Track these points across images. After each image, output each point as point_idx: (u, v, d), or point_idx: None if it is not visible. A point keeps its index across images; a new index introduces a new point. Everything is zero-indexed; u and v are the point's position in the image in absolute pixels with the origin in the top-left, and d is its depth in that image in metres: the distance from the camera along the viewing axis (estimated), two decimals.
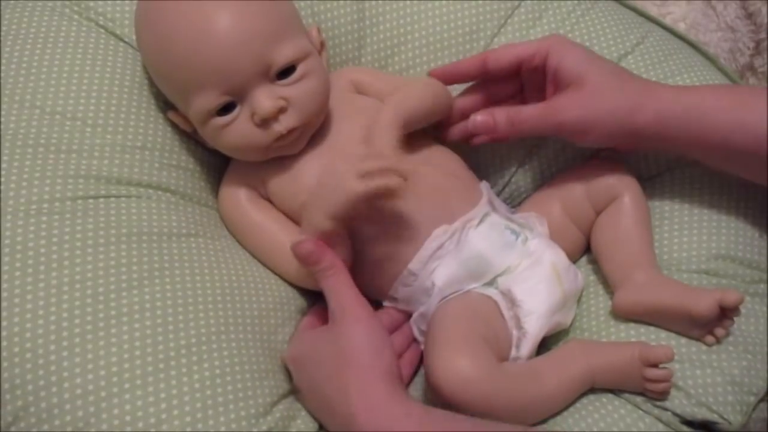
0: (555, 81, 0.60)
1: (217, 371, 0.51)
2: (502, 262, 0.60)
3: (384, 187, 0.53)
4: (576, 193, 0.64)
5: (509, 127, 0.61)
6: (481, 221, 0.61)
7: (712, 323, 0.57)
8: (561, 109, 0.59)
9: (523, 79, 0.64)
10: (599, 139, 0.60)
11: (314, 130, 0.61)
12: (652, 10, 0.90)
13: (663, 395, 0.56)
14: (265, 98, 0.55)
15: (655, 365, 0.55)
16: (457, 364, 0.52)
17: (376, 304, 0.62)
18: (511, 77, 0.64)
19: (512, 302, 0.59)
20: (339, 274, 0.55)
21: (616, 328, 0.60)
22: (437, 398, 0.54)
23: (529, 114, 0.60)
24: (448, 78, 0.64)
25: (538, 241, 0.61)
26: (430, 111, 0.63)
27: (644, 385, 0.56)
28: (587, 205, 0.63)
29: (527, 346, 0.58)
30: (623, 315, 0.60)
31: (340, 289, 0.54)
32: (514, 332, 0.58)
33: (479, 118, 0.61)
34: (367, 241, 0.58)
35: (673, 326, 0.58)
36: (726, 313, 0.57)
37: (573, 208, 0.64)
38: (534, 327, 0.58)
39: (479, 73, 0.63)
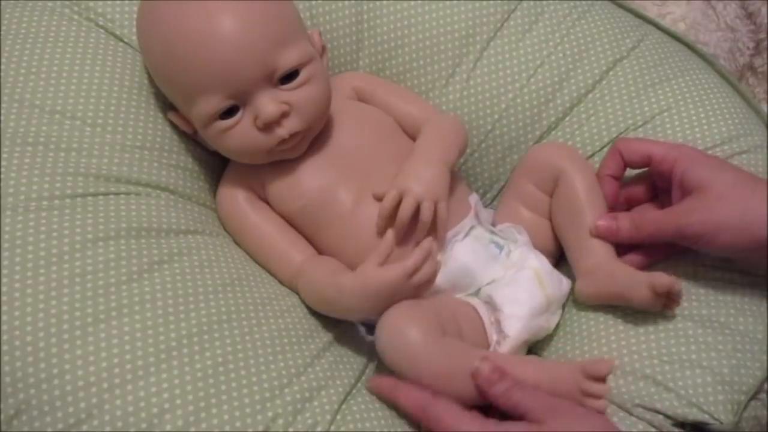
0: (681, 188, 0.61)
1: (219, 360, 0.53)
2: (487, 275, 0.63)
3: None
4: (527, 187, 0.67)
5: (633, 230, 0.62)
6: (466, 234, 0.64)
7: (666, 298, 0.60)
8: (683, 213, 0.60)
9: (654, 181, 0.66)
10: (726, 246, 0.59)
11: (315, 135, 0.64)
12: (652, 10, 0.93)
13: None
14: (268, 102, 0.58)
15: (595, 379, 0.58)
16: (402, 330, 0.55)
17: None
18: (644, 180, 0.66)
19: (493, 307, 0.62)
20: (521, 385, 0.55)
21: (605, 326, 0.62)
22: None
23: (652, 216, 0.62)
24: (615, 195, 0.65)
25: (521, 250, 0.64)
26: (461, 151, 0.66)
27: (581, 400, 0.57)
28: (541, 195, 0.66)
29: (507, 347, 0.61)
30: (587, 303, 0.64)
31: (534, 395, 0.54)
32: (494, 336, 0.61)
33: (602, 222, 0.63)
34: (355, 255, 0.60)
35: (633, 306, 0.61)
36: (670, 297, 0.59)
37: (533, 204, 0.67)
38: (514, 330, 0.61)
39: (620, 168, 0.65)
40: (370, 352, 0.63)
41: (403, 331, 0.56)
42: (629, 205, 0.67)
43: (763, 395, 0.60)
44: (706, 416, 0.57)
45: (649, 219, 0.62)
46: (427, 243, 0.58)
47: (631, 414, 0.59)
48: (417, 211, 0.61)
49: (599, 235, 0.63)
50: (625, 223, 0.63)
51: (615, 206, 0.66)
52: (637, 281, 0.59)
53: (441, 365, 0.56)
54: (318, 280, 0.61)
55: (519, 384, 0.55)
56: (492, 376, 0.55)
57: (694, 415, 0.58)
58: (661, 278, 0.58)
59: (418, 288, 0.58)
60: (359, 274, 0.58)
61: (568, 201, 0.64)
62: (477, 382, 0.56)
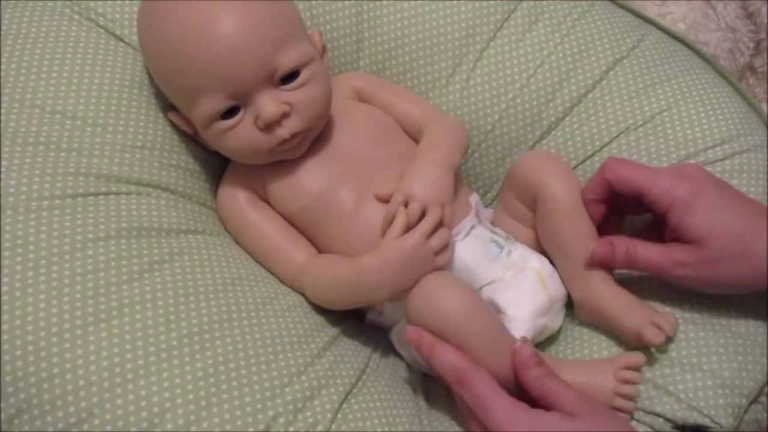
0: (675, 234, 0.59)
1: (220, 359, 0.54)
2: (488, 275, 0.63)
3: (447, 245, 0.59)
4: (512, 200, 0.67)
5: (626, 262, 0.61)
6: (467, 234, 0.64)
7: None
8: (680, 265, 0.59)
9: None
10: (721, 292, 0.61)
11: (316, 135, 0.64)
12: (652, 10, 0.93)
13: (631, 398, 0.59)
14: (269, 103, 0.59)
15: (629, 373, 0.58)
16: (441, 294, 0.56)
17: (360, 315, 0.66)
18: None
19: (496, 310, 0.62)
20: (555, 375, 0.56)
21: (604, 329, 0.63)
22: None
23: (648, 257, 0.60)
24: (601, 217, 0.64)
25: (522, 251, 0.65)
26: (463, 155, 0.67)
27: (611, 400, 0.58)
28: (526, 210, 0.67)
29: None
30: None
31: (567, 388, 0.55)
32: None
33: (597, 249, 0.62)
34: (357, 255, 0.60)
35: None
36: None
37: (520, 217, 0.67)
38: (519, 332, 0.60)
39: (607, 192, 0.63)
40: (371, 351, 0.63)
41: (443, 292, 0.56)
42: (616, 203, 0.65)
43: (763, 398, 0.60)
44: (707, 420, 0.58)
45: (643, 258, 0.61)
46: (435, 212, 0.59)
47: (631, 417, 0.59)
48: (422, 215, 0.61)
49: (594, 262, 0.62)
50: (620, 252, 0.61)
51: (602, 224, 0.65)
52: (624, 327, 0.60)
53: (480, 333, 0.56)
54: (332, 268, 0.61)
55: (554, 374, 0.56)
56: (531, 359, 0.55)
57: (694, 418, 0.58)
58: (650, 335, 0.58)
59: (437, 256, 0.59)
60: (377, 251, 0.58)
61: (552, 226, 0.64)
62: (515, 360, 0.56)
